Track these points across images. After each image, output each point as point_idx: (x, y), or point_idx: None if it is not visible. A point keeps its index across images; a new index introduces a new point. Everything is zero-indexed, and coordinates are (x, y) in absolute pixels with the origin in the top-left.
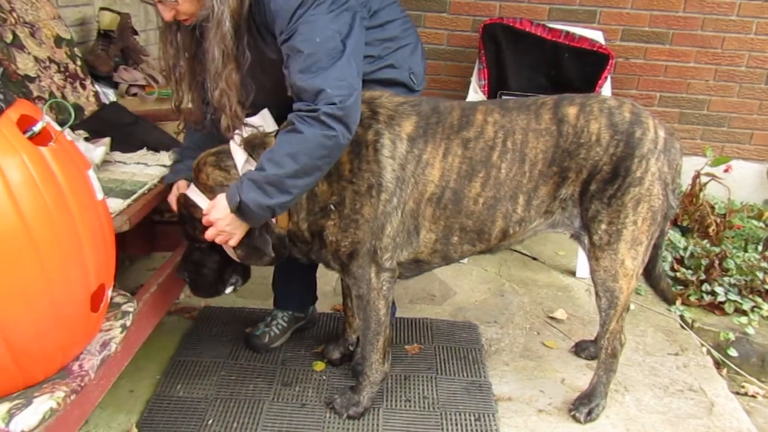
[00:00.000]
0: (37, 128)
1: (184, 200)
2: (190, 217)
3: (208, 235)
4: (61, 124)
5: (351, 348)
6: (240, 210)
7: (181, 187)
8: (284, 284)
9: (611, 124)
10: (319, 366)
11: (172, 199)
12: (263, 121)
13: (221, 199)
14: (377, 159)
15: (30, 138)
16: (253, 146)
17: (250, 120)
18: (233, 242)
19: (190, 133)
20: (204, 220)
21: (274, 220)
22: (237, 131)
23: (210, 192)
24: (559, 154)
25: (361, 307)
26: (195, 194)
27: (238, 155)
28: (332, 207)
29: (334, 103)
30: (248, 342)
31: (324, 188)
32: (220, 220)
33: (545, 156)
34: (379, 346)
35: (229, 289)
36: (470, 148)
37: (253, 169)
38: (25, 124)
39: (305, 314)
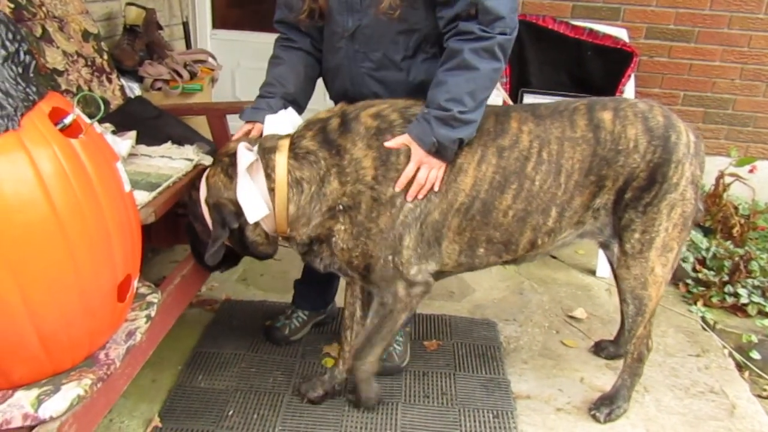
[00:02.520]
0: (68, 120)
1: (191, 187)
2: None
3: (412, 193)
4: (90, 117)
5: (337, 387)
6: (437, 148)
7: (256, 130)
8: (305, 285)
9: (647, 129)
10: (330, 362)
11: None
12: (283, 120)
13: (417, 159)
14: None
15: (61, 130)
16: (265, 149)
17: (269, 119)
18: (438, 186)
19: (272, 67)
20: (403, 182)
21: (268, 224)
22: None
23: (210, 188)
24: (596, 162)
25: (380, 313)
26: (202, 190)
27: (243, 158)
28: (341, 208)
29: (506, 34)
30: (268, 334)
31: (335, 187)
32: (420, 173)
33: (582, 166)
34: (377, 351)
35: (216, 271)
36: (505, 158)
37: (252, 176)
38: (56, 116)
39: (325, 309)
